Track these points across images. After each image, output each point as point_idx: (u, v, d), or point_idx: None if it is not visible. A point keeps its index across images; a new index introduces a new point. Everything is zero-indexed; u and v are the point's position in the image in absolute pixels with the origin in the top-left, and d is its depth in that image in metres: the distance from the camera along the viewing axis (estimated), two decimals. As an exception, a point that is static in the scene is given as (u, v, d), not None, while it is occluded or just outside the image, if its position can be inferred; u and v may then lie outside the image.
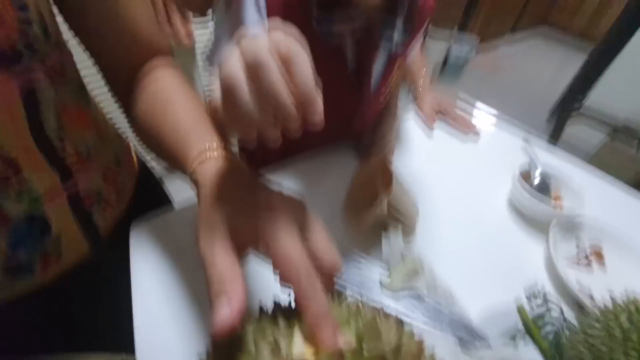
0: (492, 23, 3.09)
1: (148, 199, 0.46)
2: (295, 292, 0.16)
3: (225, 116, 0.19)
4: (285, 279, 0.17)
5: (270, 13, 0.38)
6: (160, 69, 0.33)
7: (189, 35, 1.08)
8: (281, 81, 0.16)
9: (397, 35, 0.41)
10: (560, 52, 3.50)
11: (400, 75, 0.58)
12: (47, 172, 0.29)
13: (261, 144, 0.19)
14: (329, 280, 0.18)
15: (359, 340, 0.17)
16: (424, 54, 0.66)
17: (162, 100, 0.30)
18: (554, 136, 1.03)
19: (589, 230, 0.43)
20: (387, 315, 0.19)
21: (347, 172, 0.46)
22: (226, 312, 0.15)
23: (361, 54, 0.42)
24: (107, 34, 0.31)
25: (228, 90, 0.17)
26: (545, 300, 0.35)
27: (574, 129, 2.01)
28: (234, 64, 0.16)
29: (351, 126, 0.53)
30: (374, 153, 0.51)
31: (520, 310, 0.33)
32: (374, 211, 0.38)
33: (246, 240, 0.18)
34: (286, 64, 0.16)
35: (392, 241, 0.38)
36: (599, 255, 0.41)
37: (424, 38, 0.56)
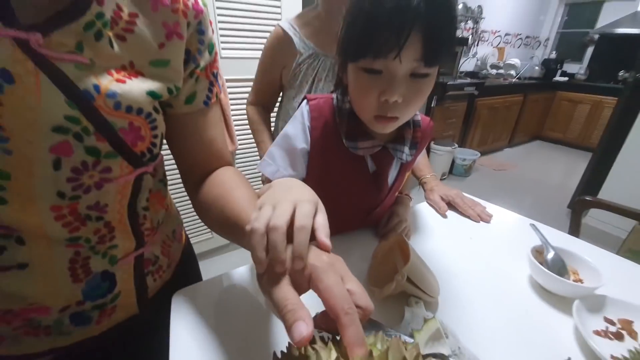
0: (489, 139, 3.48)
1: (187, 269, 0.52)
2: (338, 318, 0.21)
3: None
4: (331, 310, 0.22)
5: (314, 138, 0.52)
6: (224, 168, 0.43)
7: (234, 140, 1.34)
8: (282, 243, 0.24)
9: (405, 152, 0.54)
10: (559, 156, 3.76)
11: (408, 177, 0.70)
12: (130, 238, 0.37)
13: None
14: (363, 317, 0.23)
15: (385, 353, 0.21)
16: (428, 159, 0.80)
17: (226, 186, 0.39)
18: (573, 230, 1.05)
19: (615, 303, 0.43)
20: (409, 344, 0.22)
21: (369, 250, 0.52)
22: (304, 330, 0.20)
23: (379, 164, 0.55)
24: (193, 149, 0.41)
25: (251, 235, 0.25)
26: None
27: (599, 219, 2.00)
28: (261, 221, 0.25)
29: (372, 215, 0.61)
30: (392, 233, 0.57)
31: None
32: (394, 284, 0.42)
33: (300, 283, 0.24)
34: (295, 231, 0.24)
35: (415, 311, 0.40)
36: (629, 325, 0.40)
37: (429, 145, 0.71)
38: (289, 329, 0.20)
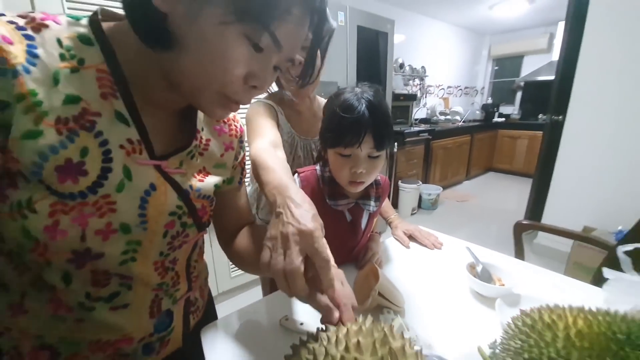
0: (448, 174, 3.88)
1: (207, 308, 0.64)
2: (339, 306, 0.37)
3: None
4: (335, 303, 0.37)
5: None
6: (250, 225, 0.59)
7: None
8: (301, 281, 0.36)
9: (372, 205, 0.74)
10: (510, 183, 4.22)
11: (377, 219, 0.89)
12: (185, 283, 0.51)
13: None
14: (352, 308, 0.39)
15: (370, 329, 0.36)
16: (390, 203, 1.00)
17: (255, 238, 0.54)
18: (518, 248, 1.27)
19: (527, 299, 0.61)
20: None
21: (350, 280, 0.68)
22: (336, 316, 0.36)
23: (353, 215, 0.74)
24: (229, 213, 0.57)
25: (277, 280, 0.37)
26: (498, 345, 0.50)
27: (548, 238, 2.29)
28: (278, 266, 0.36)
29: (351, 254, 0.79)
30: (367, 264, 0.74)
31: (479, 350, 0.48)
32: (370, 298, 0.57)
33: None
34: (319, 269, 0.37)
35: (387, 318, 0.56)
36: None
37: (397, 187, 0.92)
38: (325, 318, 0.37)
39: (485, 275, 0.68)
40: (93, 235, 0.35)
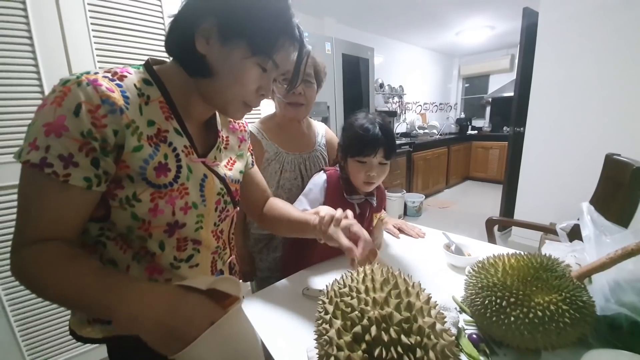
0: (429, 183, 4.16)
1: None
2: (360, 244, 0.62)
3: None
4: (357, 239, 0.63)
5: (328, 193, 0.90)
6: (273, 198, 0.81)
7: None
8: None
9: (374, 201, 0.94)
10: (486, 190, 4.54)
11: (379, 219, 1.07)
12: (228, 249, 0.68)
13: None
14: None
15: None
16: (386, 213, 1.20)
17: (283, 206, 0.78)
18: (490, 240, 1.48)
19: (487, 265, 0.81)
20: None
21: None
22: (356, 253, 0.58)
23: (361, 208, 0.93)
24: (253, 190, 0.76)
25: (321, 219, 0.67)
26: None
27: (520, 235, 2.54)
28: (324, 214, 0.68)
29: None
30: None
31: (453, 298, 0.66)
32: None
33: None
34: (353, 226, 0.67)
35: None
36: None
37: (384, 209, 1.10)
38: (349, 255, 0.59)
39: (458, 251, 0.87)
40: (179, 211, 0.52)
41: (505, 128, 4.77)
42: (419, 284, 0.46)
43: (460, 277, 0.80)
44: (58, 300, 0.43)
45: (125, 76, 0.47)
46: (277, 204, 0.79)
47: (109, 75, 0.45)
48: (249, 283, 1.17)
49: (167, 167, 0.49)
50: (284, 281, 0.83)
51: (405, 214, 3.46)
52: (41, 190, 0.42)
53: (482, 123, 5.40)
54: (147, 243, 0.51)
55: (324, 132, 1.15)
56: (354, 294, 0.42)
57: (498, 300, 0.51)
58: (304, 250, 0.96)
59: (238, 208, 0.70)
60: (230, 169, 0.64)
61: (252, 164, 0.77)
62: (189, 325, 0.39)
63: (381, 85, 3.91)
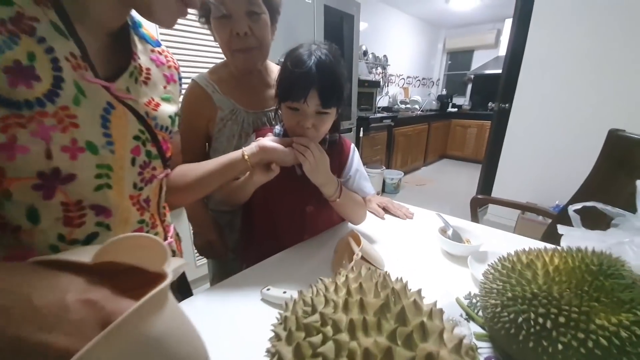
0: (408, 160, 4.07)
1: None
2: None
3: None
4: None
5: None
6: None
7: None
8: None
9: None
10: (461, 169, 4.57)
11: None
12: (161, 227, 0.52)
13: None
14: None
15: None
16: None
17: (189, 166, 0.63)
18: (473, 220, 1.37)
19: (493, 255, 0.66)
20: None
21: (329, 248, 0.67)
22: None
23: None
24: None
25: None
26: (475, 296, 0.53)
27: (496, 214, 2.52)
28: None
29: (308, 217, 0.77)
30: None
31: (458, 301, 0.50)
32: (354, 261, 0.57)
33: None
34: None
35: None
36: None
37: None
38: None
39: (456, 237, 0.72)
40: (59, 152, 0.33)
41: (490, 104, 4.69)
42: (441, 312, 0.27)
43: (460, 268, 0.65)
44: None
45: None
46: (186, 167, 0.63)
47: None
48: (206, 261, 0.98)
49: (32, 72, 0.32)
50: (240, 276, 0.63)
51: (383, 190, 3.36)
52: None
53: (463, 101, 5.32)
54: (4, 209, 0.33)
55: None
56: (329, 331, 0.24)
57: (540, 320, 0.35)
58: (269, 230, 0.76)
59: (169, 170, 0.51)
60: (154, 109, 0.45)
61: (178, 125, 0.56)
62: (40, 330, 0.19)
63: (365, 53, 3.63)
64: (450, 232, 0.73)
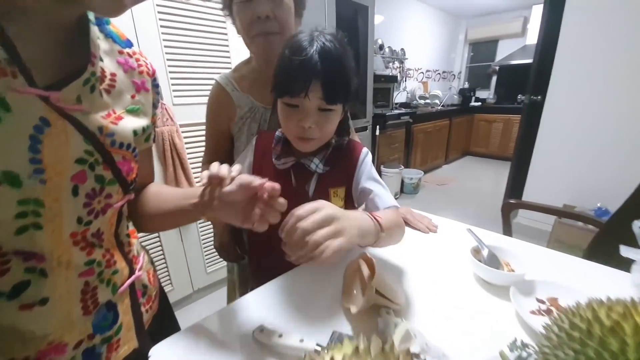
0: (428, 158, 3.88)
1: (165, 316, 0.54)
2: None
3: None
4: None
5: (255, 157, 0.66)
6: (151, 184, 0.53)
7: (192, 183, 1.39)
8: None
9: (315, 163, 0.61)
10: (486, 166, 4.31)
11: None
12: (123, 263, 0.41)
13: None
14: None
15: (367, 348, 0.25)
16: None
17: (159, 190, 0.51)
18: (506, 228, 1.21)
19: (542, 285, 0.53)
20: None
21: (337, 273, 0.56)
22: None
23: (298, 177, 0.62)
24: (140, 174, 0.48)
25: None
26: (524, 345, 0.41)
27: (529, 217, 2.31)
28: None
29: None
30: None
31: (502, 355, 0.38)
32: (366, 298, 0.46)
33: None
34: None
35: (386, 320, 0.45)
36: (555, 301, 0.50)
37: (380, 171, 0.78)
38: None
39: (493, 260, 0.59)
40: None
41: (519, 97, 4.36)
42: None
43: (500, 302, 0.53)
44: None
45: None
46: (155, 188, 0.52)
47: None
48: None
49: None
50: (231, 309, 0.54)
51: (401, 191, 3.20)
52: None
53: (487, 94, 5.01)
54: None
55: None
56: None
57: None
58: (264, 245, 0.68)
59: (133, 195, 0.43)
60: (113, 123, 0.37)
61: (154, 139, 0.49)
62: None
63: (381, 47, 3.47)
64: (485, 253, 0.61)
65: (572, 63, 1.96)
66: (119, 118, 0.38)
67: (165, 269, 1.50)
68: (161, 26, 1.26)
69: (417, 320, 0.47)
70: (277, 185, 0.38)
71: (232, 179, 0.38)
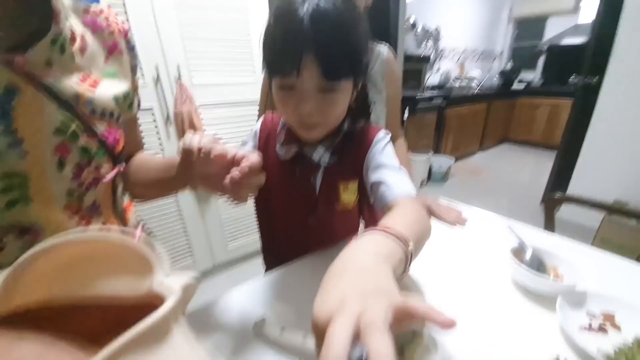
0: (460, 145, 3.64)
1: None
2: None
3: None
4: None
5: (260, 143, 0.61)
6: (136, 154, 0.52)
7: None
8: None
9: (318, 154, 0.54)
10: (526, 155, 3.97)
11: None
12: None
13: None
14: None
15: None
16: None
17: (143, 161, 0.50)
18: (548, 225, 1.09)
19: (595, 297, 0.44)
20: None
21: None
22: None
23: (301, 169, 0.56)
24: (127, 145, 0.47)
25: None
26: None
27: (573, 212, 2.10)
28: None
29: (309, 228, 0.60)
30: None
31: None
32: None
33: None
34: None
35: (405, 333, 0.39)
36: (611, 318, 0.41)
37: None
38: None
39: (537, 264, 0.51)
40: None
41: (571, 78, 3.89)
42: None
43: (542, 312, 0.45)
44: None
45: None
46: (139, 159, 0.51)
47: None
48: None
49: None
50: (232, 297, 0.51)
51: (429, 178, 3.04)
52: None
53: (532, 76, 4.56)
54: None
55: (386, 53, 0.88)
56: None
57: None
58: (269, 236, 0.67)
59: (123, 166, 0.42)
60: (92, 89, 0.34)
61: (138, 105, 0.46)
62: None
63: (413, 25, 3.23)
64: (528, 256, 0.52)
65: (638, 40, 1.69)
66: (96, 82, 0.35)
67: (187, 243, 1.56)
68: (179, 4, 1.22)
69: (439, 329, 0.41)
70: (254, 159, 0.34)
71: (200, 150, 0.34)
